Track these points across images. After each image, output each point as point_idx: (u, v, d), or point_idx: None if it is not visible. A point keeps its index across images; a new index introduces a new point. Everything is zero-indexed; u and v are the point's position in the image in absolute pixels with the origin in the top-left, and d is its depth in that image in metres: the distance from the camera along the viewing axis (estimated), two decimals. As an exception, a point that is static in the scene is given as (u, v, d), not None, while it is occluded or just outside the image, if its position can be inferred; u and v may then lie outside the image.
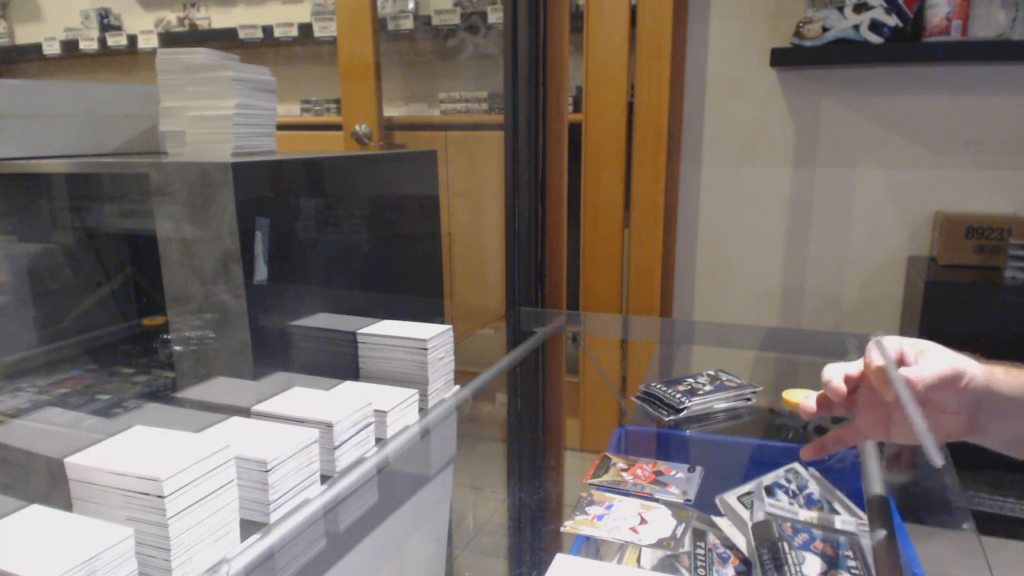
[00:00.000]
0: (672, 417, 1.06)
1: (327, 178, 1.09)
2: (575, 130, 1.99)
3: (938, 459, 0.61)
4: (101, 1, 3.28)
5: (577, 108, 2.23)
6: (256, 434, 0.77)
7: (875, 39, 1.73)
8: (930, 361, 0.65)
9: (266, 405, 0.86)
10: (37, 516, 0.59)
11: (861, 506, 0.80)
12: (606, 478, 0.87)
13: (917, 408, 0.61)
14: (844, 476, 0.88)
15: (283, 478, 0.74)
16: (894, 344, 0.68)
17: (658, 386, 1.12)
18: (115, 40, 3.19)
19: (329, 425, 0.82)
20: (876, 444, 0.94)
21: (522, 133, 1.77)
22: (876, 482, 0.83)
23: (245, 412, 0.85)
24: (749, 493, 0.83)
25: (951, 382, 0.64)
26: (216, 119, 1.10)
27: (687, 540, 0.73)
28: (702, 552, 0.72)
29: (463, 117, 2.64)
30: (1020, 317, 1.61)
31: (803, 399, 0.72)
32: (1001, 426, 0.68)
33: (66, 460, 0.63)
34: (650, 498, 0.82)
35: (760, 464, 0.90)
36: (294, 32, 2.88)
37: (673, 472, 0.88)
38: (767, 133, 2.01)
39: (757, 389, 1.13)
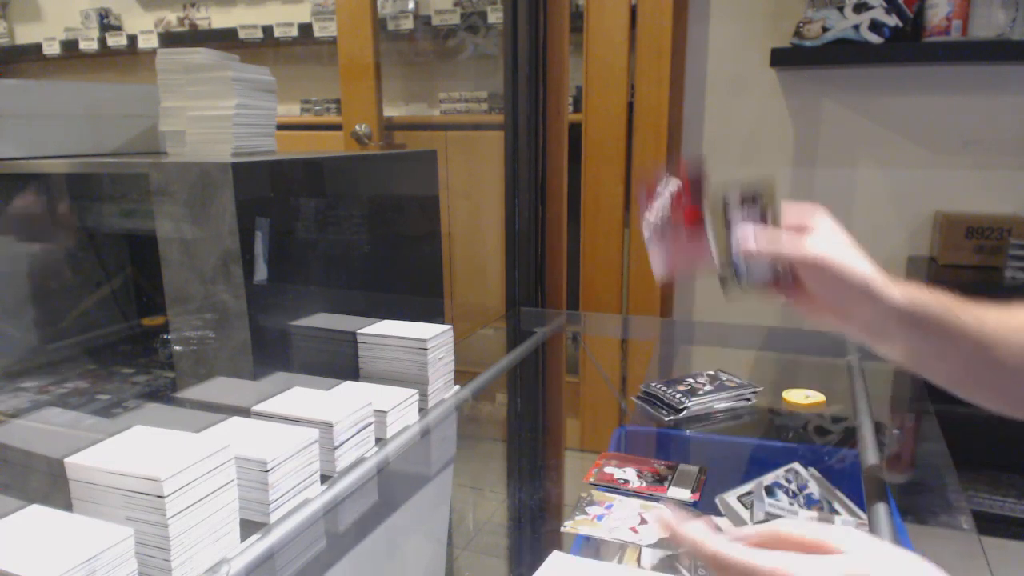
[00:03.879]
0: (672, 417, 1.06)
1: (327, 178, 1.09)
2: (575, 130, 1.99)
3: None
4: (101, 1, 3.29)
5: (577, 108, 2.23)
6: (256, 434, 0.77)
7: (875, 39, 1.74)
8: (826, 236, 0.68)
9: (266, 405, 0.86)
10: (37, 516, 0.59)
11: (861, 506, 0.80)
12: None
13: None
14: (844, 476, 0.88)
15: (283, 478, 0.74)
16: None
17: (658, 386, 1.12)
18: (115, 40, 3.19)
19: (329, 425, 0.82)
20: (876, 444, 0.94)
21: (522, 133, 1.77)
22: (876, 482, 0.83)
23: (245, 412, 0.85)
24: (749, 493, 0.83)
25: (823, 243, 0.67)
26: (216, 119, 1.10)
27: (687, 540, 0.72)
28: (702, 552, 0.72)
29: (463, 117, 2.64)
30: (1020, 317, 1.60)
31: None
32: (880, 324, 0.69)
33: (66, 460, 0.63)
34: (650, 498, 0.82)
35: (760, 464, 0.90)
36: (294, 32, 2.88)
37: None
38: (767, 133, 2.01)
39: (757, 389, 1.13)
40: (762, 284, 0.72)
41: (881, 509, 0.76)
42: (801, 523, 0.50)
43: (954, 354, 0.68)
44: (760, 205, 0.71)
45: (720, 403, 1.10)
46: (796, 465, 0.87)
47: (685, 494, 0.83)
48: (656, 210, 0.74)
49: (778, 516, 0.76)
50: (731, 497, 0.81)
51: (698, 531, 0.51)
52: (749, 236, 0.70)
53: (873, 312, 0.68)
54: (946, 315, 0.67)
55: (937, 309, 0.67)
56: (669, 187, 0.73)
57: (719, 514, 0.80)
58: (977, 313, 0.68)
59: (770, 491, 0.83)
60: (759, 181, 0.71)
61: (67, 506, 0.64)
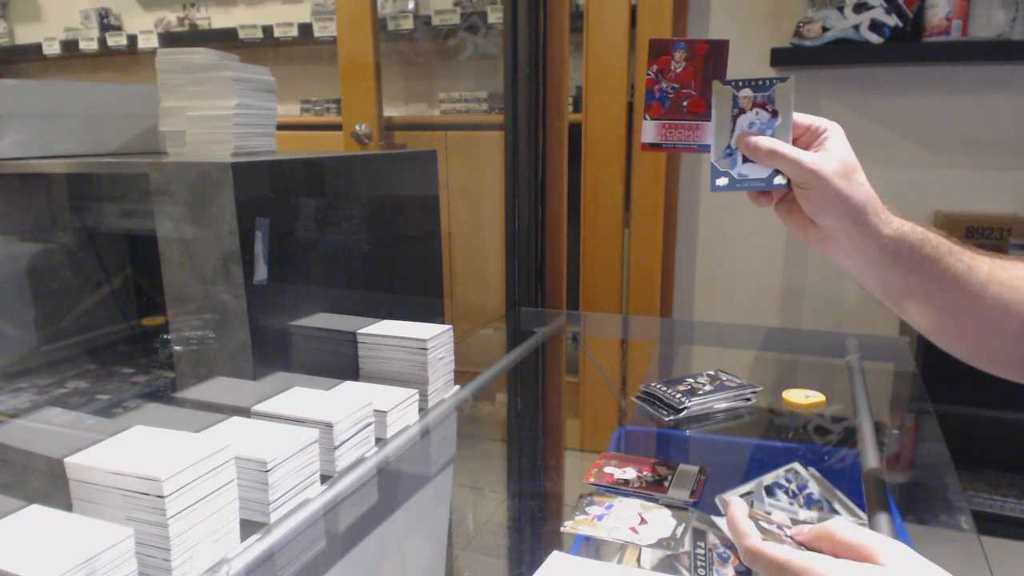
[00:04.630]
0: (672, 417, 1.06)
1: (327, 178, 1.09)
2: (575, 130, 1.99)
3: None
4: (101, 1, 3.29)
5: (577, 108, 2.23)
6: (256, 434, 0.77)
7: (875, 39, 1.73)
8: (831, 154, 0.67)
9: (266, 405, 0.86)
10: (37, 516, 0.59)
11: (861, 506, 0.80)
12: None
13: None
14: (844, 476, 0.88)
15: (283, 478, 0.74)
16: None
17: (658, 386, 1.12)
18: (115, 40, 3.19)
19: (329, 425, 0.82)
20: (876, 444, 0.94)
21: (522, 133, 1.77)
22: (876, 482, 0.83)
23: (245, 412, 0.85)
24: (749, 493, 0.83)
25: (845, 174, 0.66)
26: (216, 119, 1.10)
27: (687, 540, 0.73)
28: (702, 552, 0.72)
29: (463, 117, 2.64)
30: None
31: None
32: (854, 258, 0.69)
33: (66, 460, 0.63)
34: (650, 498, 0.82)
35: (760, 464, 0.90)
36: (294, 32, 2.88)
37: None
38: (767, 133, 2.01)
39: (757, 389, 1.13)
40: (753, 182, 0.70)
41: (881, 509, 0.76)
42: (856, 528, 0.50)
43: (938, 297, 0.67)
44: (773, 104, 0.69)
45: (720, 403, 1.10)
46: (796, 465, 0.87)
47: (685, 494, 0.83)
48: (664, 80, 0.71)
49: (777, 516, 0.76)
50: (731, 497, 0.81)
51: (746, 525, 0.52)
52: (753, 130, 0.69)
53: (859, 239, 0.67)
54: (935, 255, 0.66)
55: (927, 248, 0.66)
56: (684, 61, 0.71)
57: (719, 514, 0.80)
58: (970, 260, 0.66)
59: (770, 491, 0.83)
60: (778, 78, 0.69)
61: (67, 506, 0.64)
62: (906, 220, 0.68)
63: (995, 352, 0.69)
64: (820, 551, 0.51)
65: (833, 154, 0.67)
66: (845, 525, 0.51)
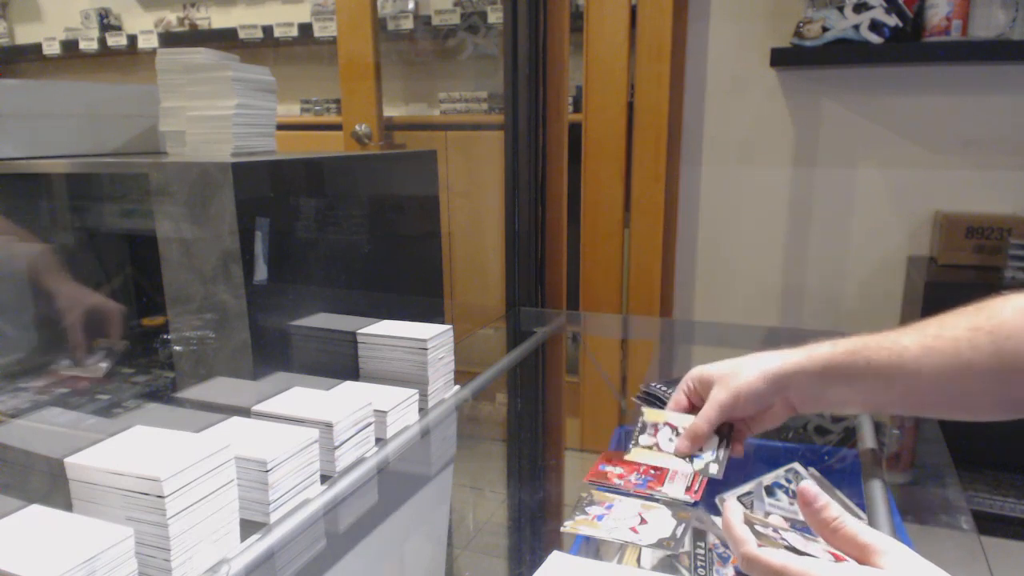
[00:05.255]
0: (672, 417, 1.06)
1: (327, 178, 1.09)
2: (575, 130, 1.99)
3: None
4: (101, 1, 3.29)
5: (577, 108, 2.23)
6: (256, 434, 0.77)
7: (875, 39, 1.74)
8: (698, 418, 0.78)
9: (266, 405, 0.86)
10: (37, 516, 0.59)
11: (861, 506, 0.80)
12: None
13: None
14: (844, 476, 0.88)
15: (283, 478, 0.74)
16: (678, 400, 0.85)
17: (658, 386, 1.12)
18: (115, 40, 3.19)
19: (329, 425, 0.82)
20: (876, 444, 0.94)
21: (522, 133, 1.77)
22: (876, 482, 0.83)
23: (245, 412, 0.85)
24: (749, 493, 0.83)
25: (727, 413, 0.76)
26: (216, 119, 1.10)
27: (687, 540, 0.73)
28: (702, 552, 0.72)
29: (463, 117, 2.64)
30: (1020, 317, 1.60)
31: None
32: (815, 400, 0.75)
33: (66, 460, 0.63)
34: (650, 498, 0.82)
35: (760, 464, 0.90)
36: (294, 32, 2.88)
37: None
38: (767, 133, 2.01)
39: (757, 389, 1.12)
40: (720, 454, 0.79)
41: (881, 509, 0.76)
42: (859, 524, 0.51)
43: (891, 388, 0.69)
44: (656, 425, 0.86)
45: (720, 403, 1.09)
46: (796, 465, 0.87)
47: (685, 493, 0.83)
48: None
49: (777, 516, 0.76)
50: (731, 497, 0.81)
51: (742, 531, 0.52)
52: (678, 444, 0.81)
53: (794, 390, 0.74)
54: (855, 358, 0.71)
55: (845, 356, 0.72)
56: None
57: (719, 514, 0.80)
58: (895, 344, 0.69)
59: (770, 491, 0.83)
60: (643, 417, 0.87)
61: (67, 506, 0.64)
62: (814, 345, 0.76)
63: (969, 407, 0.69)
64: (820, 535, 0.51)
65: (716, 387, 0.79)
66: (850, 519, 0.51)
